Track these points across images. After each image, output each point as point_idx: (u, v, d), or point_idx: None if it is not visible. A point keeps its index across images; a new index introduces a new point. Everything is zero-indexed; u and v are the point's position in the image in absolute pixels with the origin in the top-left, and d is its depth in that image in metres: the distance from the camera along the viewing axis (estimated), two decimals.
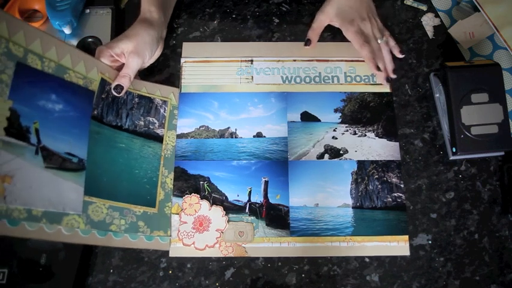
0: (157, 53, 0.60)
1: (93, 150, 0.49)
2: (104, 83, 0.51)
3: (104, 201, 0.49)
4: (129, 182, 0.53)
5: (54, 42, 0.45)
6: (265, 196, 0.58)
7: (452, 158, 0.59)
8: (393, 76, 0.62)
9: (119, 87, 0.52)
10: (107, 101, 0.52)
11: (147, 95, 0.58)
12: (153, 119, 0.58)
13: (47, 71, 0.44)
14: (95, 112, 0.50)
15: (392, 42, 0.64)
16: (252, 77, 0.63)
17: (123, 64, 0.54)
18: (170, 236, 0.55)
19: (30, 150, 0.42)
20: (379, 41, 0.62)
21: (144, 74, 0.62)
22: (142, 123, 0.57)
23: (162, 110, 0.59)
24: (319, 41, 0.66)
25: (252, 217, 0.57)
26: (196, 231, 0.56)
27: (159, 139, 0.58)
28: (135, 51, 0.52)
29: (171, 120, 0.60)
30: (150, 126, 0.58)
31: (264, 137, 0.61)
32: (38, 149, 0.42)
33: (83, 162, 0.47)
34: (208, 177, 0.59)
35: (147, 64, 0.60)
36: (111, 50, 0.52)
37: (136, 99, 0.57)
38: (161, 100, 0.59)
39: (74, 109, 0.47)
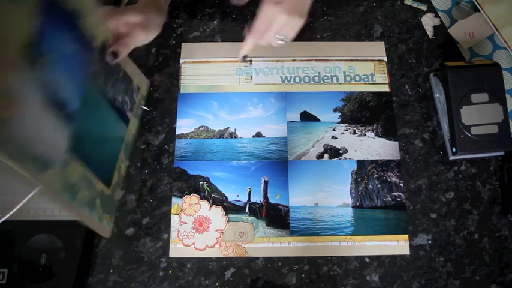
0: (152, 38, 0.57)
1: (82, 109, 0.42)
2: (103, 44, 0.46)
3: (79, 163, 0.42)
4: (99, 154, 0.48)
5: None
6: (265, 196, 0.58)
7: (452, 158, 0.59)
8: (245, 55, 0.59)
9: (115, 54, 0.47)
10: (101, 63, 0.47)
11: (129, 74, 0.55)
12: (128, 99, 0.55)
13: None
14: (89, 71, 0.44)
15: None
16: (251, 77, 0.63)
17: (119, 33, 0.50)
18: (113, 223, 0.52)
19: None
20: (278, 38, 0.55)
21: (144, 73, 0.62)
22: (119, 99, 0.52)
23: (135, 95, 0.57)
24: (318, 40, 0.66)
25: (252, 217, 0.57)
26: (196, 231, 0.56)
27: (127, 122, 0.55)
28: (144, 26, 0.51)
29: (137, 108, 0.58)
30: (124, 106, 0.53)
31: (264, 137, 0.61)
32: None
33: (72, 115, 0.40)
34: (208, 178, 0.59)
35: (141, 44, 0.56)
36: (124, 16, 0.49)
37: (121, 73, 0.52)
38: (136, 85, 0.57)
39: (76, 59, 0.41)
